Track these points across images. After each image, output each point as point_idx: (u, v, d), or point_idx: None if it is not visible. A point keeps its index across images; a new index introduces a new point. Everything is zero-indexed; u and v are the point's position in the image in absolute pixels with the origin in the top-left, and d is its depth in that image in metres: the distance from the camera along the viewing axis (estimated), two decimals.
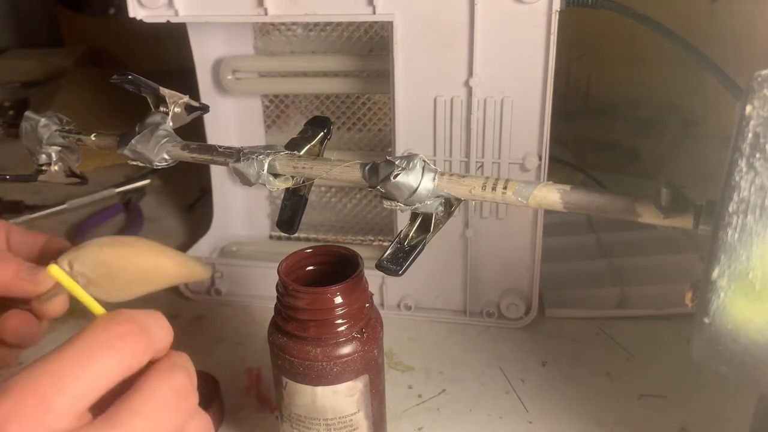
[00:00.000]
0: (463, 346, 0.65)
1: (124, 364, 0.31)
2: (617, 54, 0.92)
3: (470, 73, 0.59)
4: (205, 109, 0.48)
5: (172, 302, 0.72)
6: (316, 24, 0.69)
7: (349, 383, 0.45)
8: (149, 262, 0.49)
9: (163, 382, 0.32)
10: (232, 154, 0.42)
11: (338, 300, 0.44)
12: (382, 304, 0.69)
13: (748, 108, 0.25)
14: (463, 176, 0.36)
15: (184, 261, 0.52)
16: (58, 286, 0.45)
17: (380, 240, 0.77)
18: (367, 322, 0.46)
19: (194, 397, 0.35)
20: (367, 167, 0.38)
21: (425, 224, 0.38)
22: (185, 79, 0.68)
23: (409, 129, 0.63)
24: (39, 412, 0.28)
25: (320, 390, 0.45)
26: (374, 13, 0.58)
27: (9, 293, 0.46)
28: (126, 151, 0.45)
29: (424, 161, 0.37)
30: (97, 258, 0.46)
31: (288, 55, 0.72)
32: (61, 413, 0.28)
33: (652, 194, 0.31)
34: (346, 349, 0.44)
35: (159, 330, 0.34)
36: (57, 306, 0.47)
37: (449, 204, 0.38)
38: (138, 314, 0.33)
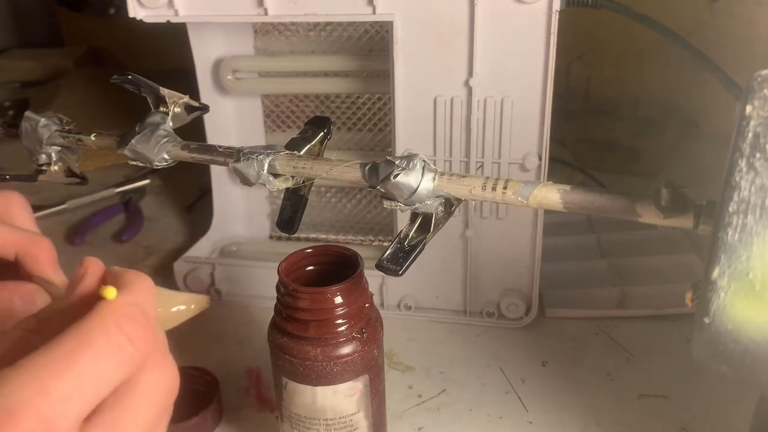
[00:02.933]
0: (463, 346, 0.65)
1: (131, 368, 0.29)
2: (617, 54, 0.92)
3: (470, 73, 0.59)
4: (205, 109, 0.48)
5: None
6: (316, 24, 0.69)
7: (349, 383, 0.45)
8: None
9: (157, 381, 0.30)
10: (232, 154, 0.42)
11: (338, 300, 0.44)
12: (382, 304, 0.69)
13: (748, 108, 0.25)
14: (463, 176, 0.36)
15: (177, 300, 0.47)
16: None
17: (380, 240, 0.77)
18: (367, 322, 0.46)
19: (177, 387, 0.32)
20: (367, 167, 0.38)
21: (425, 224, 0.38)
22: (185, 79, 0.68)
23: (409, 129, 0.63)
24: (35, 422, 0.25)
25: (320, 390, 0.45)
26: (374, 13, 0.58)
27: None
28: (126, 151, 0.45)
29: (424, 161, 0.37)
30: None
31: (288, 55, 0.72)
32: (64, 425, 0.26)
33: (652, 194, 0.31)
34: (346, 349, 0.44)
35: (154, 311, 0.32)
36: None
37: (449, 204, 0.38)
38: (143, 301, 0.31)
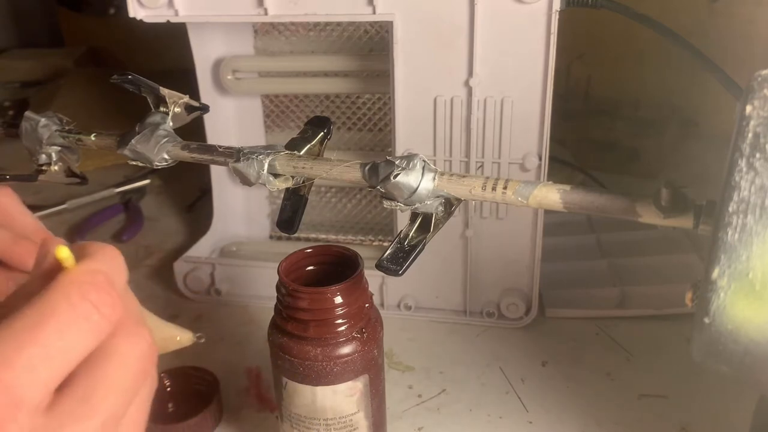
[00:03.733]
0: (463, 346, 0.65)
1: (100, 336, 0.28)
2: (617, 54, 0.92)
3: (470, 73, 0.59)
4: (205, 109, 0.48)
5: (172, 302, 0.73)
6: (316, 24, 0.69)
7: (349, 383, 0.45)
8: None
9: (131, 347, 0.29)
10: (232, 154, 0.42)
11: (338, 300, 0.44)
12: (382, 304, 0.69)
13: (748, 108, 0.25)
14: (463, 176, 0.36)
15: (163, 330, 0.46)
16: None
17: (380, 240, 0.77)
18: (367, 322, 0.46)
19: (155, 358, 0.31)
20: (367, 167, 0.38)
21: (425, 224, 0.38)
22: (185, 79, 0.68)
23: (409, 129, 0.63)
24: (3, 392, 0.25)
25: (320, 390, 0.45)
26: (374, 13, 0.58)
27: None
28: (126, 151, 0.45)
29: (424, 161, 0.37)
30: None
31: (288, 55, 0.72)
32: (29, 393, 0.25)
33: (652, 194, 0.31)
34: (346, 349, 0.44)
35: (121, 280, 0.31)
36: None
37: (449, 204, 0.38)
38: (108, 269, 0.30)
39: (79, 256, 0.31)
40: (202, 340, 0.39)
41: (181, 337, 0.40)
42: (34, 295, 0.27)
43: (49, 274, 0.29)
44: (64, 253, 0.29)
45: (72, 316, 0.27)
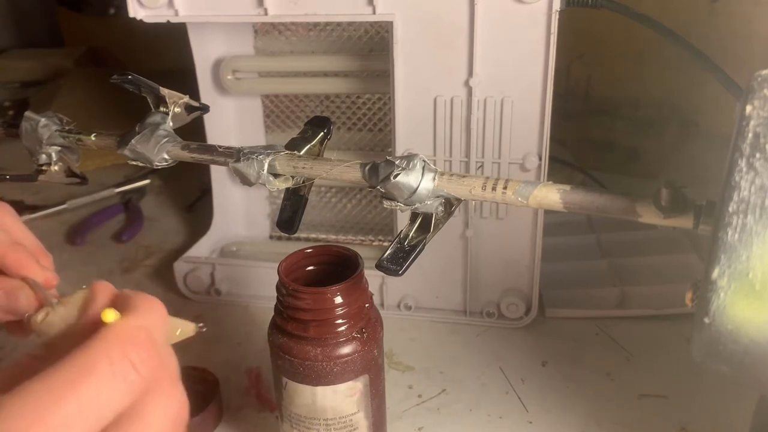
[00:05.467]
0: (463, 346, 0.65)
1: (135, 395, 0.28)
2: (617, 54, 0.92)
3: (470, 73, 0.59)
4: (205, 109, 0.48)
5: (172, 302, 0.72)
6: (316, 24, 0.69)
7: (349, 383, 0.45)
8: None
9: (162, 410, 0.28)
10: (232, 154, 0.42)
11: (338, 300, 0.44)
12: (382, 304, 0.69)
13: (748, 108, 0.25)
14: (463, 176, 0.36)
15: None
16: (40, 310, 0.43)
17: (380, 240, 0.77)
18: (367, 322, 0.46)
19: (186, 417, 0.31)
20: (367, 167, 0.38)
21: (425, 224, 0.38)
22: (185, 79, 0.68)
23: (409, 129, 0.63)
24: None
25: (320, 390, 0.45)
26: (374, 13, 0.58)
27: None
28: (126, 151, 0.45)
29: (424, 161, 0.37)
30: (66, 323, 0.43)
31: (288, 55, 0.72)
32: None
33: (652, 194, 0.31)
34: (346, 349, 0.44)
35: (162, 337, 0.30)
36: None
37: (449, 204, 0.38)
38: (150, 323, 0.30)
39: (123, 306, 0.30)
40: (204, 329, 0.39)
41: (182, 329, 0.40)
42: (78, 344, 0.27)
43: (94, 325, 0.29)
44: (109, 317, 0.29)
45: (110, 374, 0.27)
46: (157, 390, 0.28)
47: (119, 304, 0.31)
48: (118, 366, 0.27)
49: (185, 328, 0.40)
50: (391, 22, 0.58)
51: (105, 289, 0.32)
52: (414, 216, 0.38)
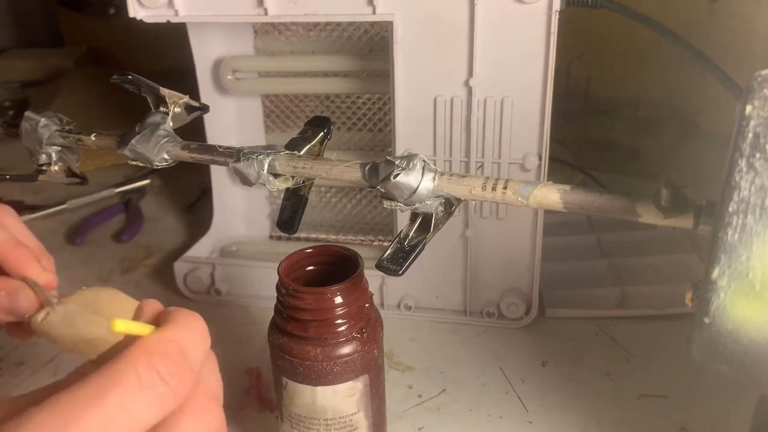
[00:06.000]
0: (463, 346, 0.65)
1: (165, 410, 0.27)
2: (617, 54, 0.92)
3: (470, 73, 0.59)
4: (205, 109, 0.48)
5: (172, 302, 0.72)
6: (316, 24, 0.69)
7: (349, 383, 0.45)
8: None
9: (197, 425, 0.28)
10: (232, 154, 0.42)
11: (338, 300, 0.44)
12: (382, 304, 0.69)
13: (748, 108, 0.25)
14: (463, 176, 0.36)
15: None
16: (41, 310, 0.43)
17: (380, 240, 0.77)
18: (367, 322, 0.46)
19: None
20: (367, 167, 0.38)
21: (425, 224, 0.38)
22: (185, 79, 0.68)
23: (409, 129, 0.63)
24: None
25: (320, 390, 0.45)
26: (374, 13, 0.58)
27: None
28: (126, 151, 0.45)
29: (424, 161, 0.37)
30: (59, 336, 0.42)
31: (288, 55, 0.72)
32: None
33: (652, 194, 0.31)
34: (346, 349, 0.44)
35: (198, 352, 0.30)
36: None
37: (449, 204, 0.38)
38: (186, 339, 0.29)
39: (162, 321, 0.30)
40: None
41: None
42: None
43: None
44: (119, 327, 0.28)
45: (137, 386, 0.26)
46: (191, 406, 0.28)
47: (161, 319, 0.31)
48: (146, 378, 0.26)
49: None
50: (391, 22, 0.58)
51: (152, 307, 0.32)
52: (414, 216, 0.38)
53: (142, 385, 0.26)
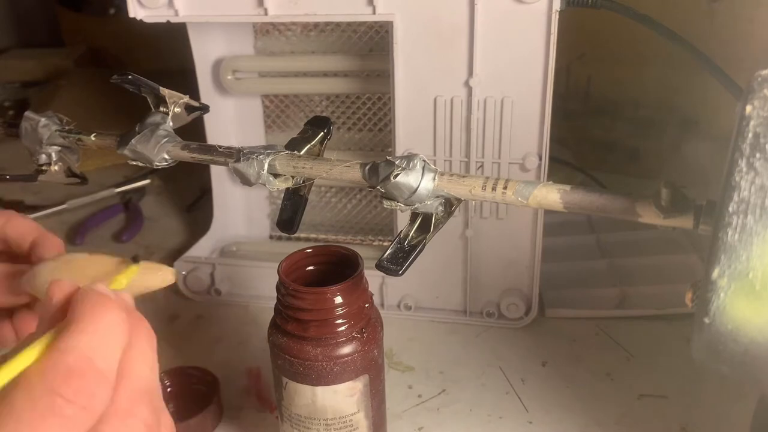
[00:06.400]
0: (463, 346, 0.65)
1: (83, 426, 0.24)
2: (617, 54, 0.92)
3: (470, 73, 0.59)
4: (205, 109, 0.48)
5: (172, 302, 0.72)
6: (316, 24, 0.69)
7: (349, 383, 0.45)
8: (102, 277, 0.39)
9: (128, 423, 0.25)
10: (232, 154, 0.42)
11: (338, 300, 0.44)
12: (382, 304, 0.69)
13: (748, 108, 0.25)
14: (463, 176, 0.36)
15: (144, 269, 0.44)
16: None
17: (380, 240, 0.77)
18: (367, 322, 0.46)
19: (162, 419, 0.28)
20: (367, 167, 0.38)
21: (425, 224, 0.38)
22: (185, 79, 0.68)
23: (409, 129, 0.63)
24: None
25: (320, 390, 0.45)
26: (374, 13, 0.58)
27: None
28: (126, 151, 0.45)
29: (424, 161, 0.37)
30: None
31: (288, 55, 0.72)
32: None
33: (652, 194, 0.31)
34: (346, 349, 0.44)
35: (111, 350, 0.26)
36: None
37: (449, 204, 0.38)
38: (90, 342, 0.25)
39: (69, 314, 0.27)
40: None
41: (163, 275, 0.38)
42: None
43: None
44: (27, 357, 0.24)
45: (37, 418, 0.23)
46: (113, 416, 0.25)
47: (69, 311, 0.27)
48: (44, 406, 0.23)
49: (166, 275, 0.38)
50: (391, 22, 0.58)
51: (62, 289, 0.29)
52: (414, 216, 0.38)
53: (41, 415, 0.23)
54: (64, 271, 0.40)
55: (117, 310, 0.27)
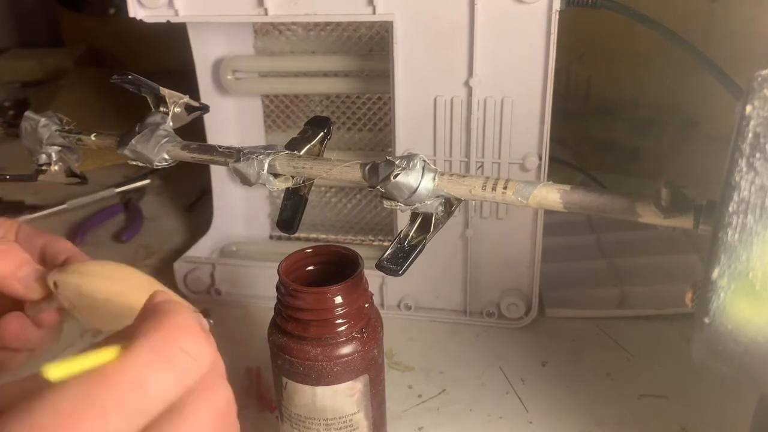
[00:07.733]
0: (463, 346, 0.65)
1: (186, 383, 0.27)
2: (617, 54, 0.92)
3: (470, 73, 0.59)
4: (205, 109, 0.48)
5: None
6: (316, 24, 0.69)
7: (349, 383, 0.45)
8: (134, 301, 0.41)
9: (207, 403, 0.28)
10: (232, 154, 0.42)
11: (338, 300, 0.44)
12: (382, 304, 0.69)
13: (748, 108, 0.25)
14: (463, 176, 0.36)
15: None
16: (50, 299, 0.43)
17: (380, 240, 0.77)
18: (367, 322, 0.46)
19: (234, 414, 0.31)
20: (367, 167, 0.38)
21: (425, 224, 0.38)
22: (185, 79, 0.68)
23: (409, 129, 0.63)
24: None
25: (320, 390, 0.45)
26: (374, 13, 0.58)
27: (1, 288, 0.44)
28: (126, 151, 0.45)
29: (424, 161, 0.37)
30: (78, 287, 0.42)
31: (288, 55, 0.72)
32: None
33: (652, 194, 0.31)
34: (346, 349, 0.44)
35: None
36: (45, 319, 0.43)
37: (449, 204, 0.38)
38: (196, 316, 0.29)
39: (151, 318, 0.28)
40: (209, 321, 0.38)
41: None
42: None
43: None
44: (53, 373, 0.25)
45: (154, 358, 0.26)
46: (202, 385, 0.28)
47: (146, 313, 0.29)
48: (164, 350, 0.26)
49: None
50: (391, 22, 0.58)
51: (161, 298, 0.31)
52: (414, 216, 0.38)
53: (158, 358, 0.26)
54: (97, 272, 0.41)
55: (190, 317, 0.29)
